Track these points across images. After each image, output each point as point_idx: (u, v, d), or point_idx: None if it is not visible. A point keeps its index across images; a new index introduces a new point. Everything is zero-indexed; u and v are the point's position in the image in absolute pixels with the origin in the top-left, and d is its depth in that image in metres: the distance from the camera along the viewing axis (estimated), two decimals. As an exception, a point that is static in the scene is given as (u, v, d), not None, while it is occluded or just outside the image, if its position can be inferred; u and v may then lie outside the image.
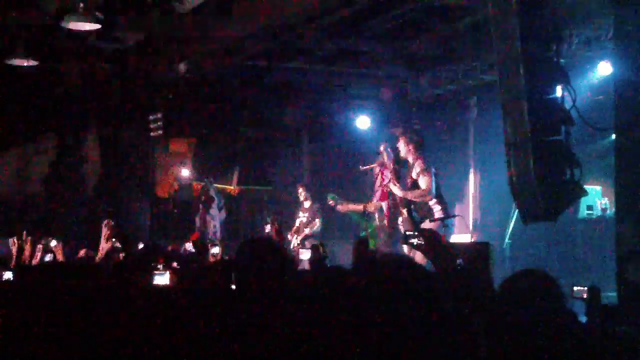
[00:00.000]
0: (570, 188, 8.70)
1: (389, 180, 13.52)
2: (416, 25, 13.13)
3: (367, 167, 14.12)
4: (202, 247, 11.73)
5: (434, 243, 5.57)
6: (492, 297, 4.66)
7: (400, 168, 13.57)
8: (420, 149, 13.27)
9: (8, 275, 8.10)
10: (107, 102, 17.34)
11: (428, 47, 14.37)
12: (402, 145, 13.40)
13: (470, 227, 16.09)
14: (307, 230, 16.12)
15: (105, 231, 10.31)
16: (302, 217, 16.31)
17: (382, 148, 13.61)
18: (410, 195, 13.15)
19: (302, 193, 16.59)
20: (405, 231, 7.89)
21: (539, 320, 3.87)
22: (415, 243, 6.00)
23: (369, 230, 14.82)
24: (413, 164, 13.26)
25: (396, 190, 13.27)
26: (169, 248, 13.03)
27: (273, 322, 3.93)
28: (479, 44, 13.23)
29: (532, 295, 3.99)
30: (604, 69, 13.38)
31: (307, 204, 16.47)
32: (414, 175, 13.24)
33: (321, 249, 9.89)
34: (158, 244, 12.12)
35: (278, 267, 4.28)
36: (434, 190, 13.12)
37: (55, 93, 17.13)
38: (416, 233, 7.49)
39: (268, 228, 14.12)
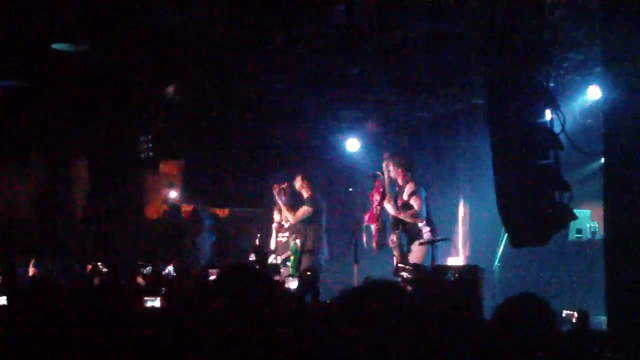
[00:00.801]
0: (559, 212, 8.69)
1: (378, 203, 13.59)
2: (406, 49, 13.14)
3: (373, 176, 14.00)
4: (262, 254, 11.73)
5: (420, 273, 5.58)
6: (482, 322, 4.64)
7: (385, 189, 13.63)
8: (409, 170, 13.36)
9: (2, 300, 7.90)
10: (97, 123, 17.33)
11: (418, 71, 14.39)
12: (391, 169, 13.50)
13: (460, 250, 16.09)
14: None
15: None
16: (280, 238, 15.81)
17: (384, 166, 13.71)
18: (402, 215, 13.19)
19: (277, 214, 16.04)
20: (397, 264, 7.88)
21: (534, 346, 3.84)
22: (405, 276, 6.04)
23: (293, 259, 14.85)
24: (403, 186, 13.33)
25: (389, 208, 13.30)
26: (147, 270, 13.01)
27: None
28: (468, 68, 13.26)
29: (526, 321, 3.96)
30: (593, 93, 13.41)
31: (286, 225, 15.84)
32: (404, 196, 13.29)
33: (307, 274, 9.85)
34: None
35: (259, 296, 4.24)
36: (424, 213, 13.17)
37: (43, 114, 17.12)
38: (406, 266, 7.48)
39: (253, 256, 14.01)
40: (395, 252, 13.35)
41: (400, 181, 13.44)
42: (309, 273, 10.31)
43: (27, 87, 14.84)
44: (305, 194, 15.27)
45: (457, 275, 10.49)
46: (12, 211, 18.52)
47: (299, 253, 14.81)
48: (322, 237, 15.09)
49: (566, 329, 6.41)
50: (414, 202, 13.17)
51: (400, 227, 13.37)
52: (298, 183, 15.39)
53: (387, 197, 13.35)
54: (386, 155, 13.80)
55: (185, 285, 8.92)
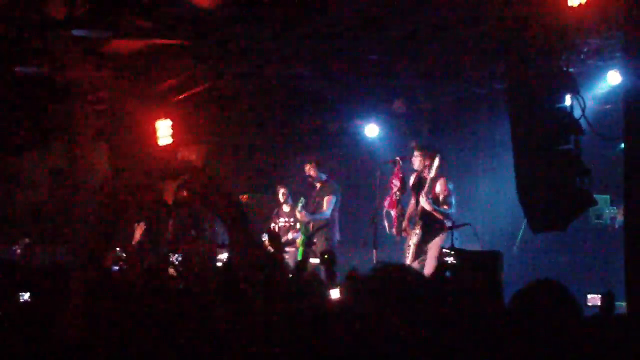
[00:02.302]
0: (579, 197, 8.68)
1: (398, 189, 13.61)
2: (426, 35, 13.10)
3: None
4: (276, 237, 11.77)
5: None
6: (502, 309, 4.61)
7: (404, 175, 13.67)
8: (440, 166, 13.34)
9: None
10: (117, 108, 17.33)
11: (439, 56, 14.34)
12: (417, 160, 13.50)
13: (479, 235, 16.07)
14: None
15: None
16: (281, 222, 15.85)
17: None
18: (437, 213, 13.23)
19: (283, 194, 16.24)
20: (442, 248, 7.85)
21: (556, 333, 3.81)
22: (449, 261, 6.01)
23: (303, 238, 14.91)
24: (434, 181, 13.33)
25: (426, 204, 13.28)
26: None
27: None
28: (489, 53, 13.22)
29: (547, 308, 3.92)
30: (613, 78, 13.37)
31: (286, 208, 16.05)
32: (436, 191, 13.30)
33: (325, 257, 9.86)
34: None
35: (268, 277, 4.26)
36: (454, 208, 13.25)
37: (63, 101, 17.15)
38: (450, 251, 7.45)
39: (266, 238, 14.04)
40: (411, 242, 13.39)
41: (425, 173, 13.46)
42: (326, 256, 10.31)
43: (46, 72, 14.85)
44: (320, 182, 15.31)
45: (476, 261, 10.51)
46: (31, 197, 18.57)
47: (308, 235, 14.90)
48: (335, 222, 15.13)
49: (591, 313, 6.38)
50: (447, 200, 13.25)
51: (420, 225, 13.39)
52: (312, 170, 15.41)
53: (424, 192, 13.35)
54: (413, 144, 13.79)
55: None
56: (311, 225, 15.05)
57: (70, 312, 4.34)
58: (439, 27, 12.68)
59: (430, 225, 13.32)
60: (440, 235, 13.16)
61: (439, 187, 13.35)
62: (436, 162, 13.25)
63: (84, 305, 4.27)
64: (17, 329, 4.53)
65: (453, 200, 13.35)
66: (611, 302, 6.77)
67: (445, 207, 13.27)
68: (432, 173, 13.28)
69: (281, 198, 16.18)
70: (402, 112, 16.70)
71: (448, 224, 13.13)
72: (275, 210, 16.26)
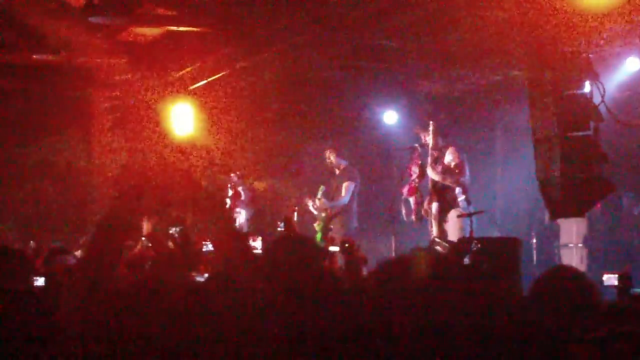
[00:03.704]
0: (598, 184, 8.65)
1: (417, 176, 13.62)
2: (442, 21, 13.05)
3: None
4: (291, 225, 11.77)
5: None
6: (521, 298, 4.57)
7: (424, 161, 13.67)
8: (448, 138, 13.41)
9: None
10: (134, 96, 17.36)
11: (455, 43, 14.30)
12: (430, 138, 13.53)
13: (498, 222, 16.04)
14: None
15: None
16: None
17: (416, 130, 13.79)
18: (448, 180, 13.23)
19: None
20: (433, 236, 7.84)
21: (574, 322, 3.77)
22: (439, 250, 6.05)
23: (320, 224, 14.89)
24: (443, 152, 13.36)
25: (433, 174, 13.32)
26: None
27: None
28: (507, 39, 13.17)
29: (564, 296, 3.88)
30: (632, 64, 13.31)
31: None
32: (446, 161, 13.31)
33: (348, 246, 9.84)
34: None
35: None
36: (468, 176, 13.22)
37: (80, 89, 17.21)
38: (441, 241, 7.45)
39: (282, 226, 13.96)
40: (433, 223, 13.39)
41: (435, 147, 13.49)
42: (347, 245, 10.28)
43: (64, 60, 14.90)
44: (339, 168, 15.27)
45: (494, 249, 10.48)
46: (47, 186, 18.58)
47: (325, 222, 14.89)
48: (352, 209, 15.09)
49: (609, 298, 6.33)
50: (457, 166, 13.20)
51: (436, 197, 13.40)
52: (331, 156, 15.38)
53: (429, 164, 13.37)
54: (424, 124, 13.82)
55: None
56: (329, 211, 14.96)
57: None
58: (455, 12, 12.64)
59: (444, 195, 13.34)
60: (459, 221, 13.09)
61: (449, 157, 13.34)
62: (430, 128, 13.37)
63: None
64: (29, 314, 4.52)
65: (467, 169, 13.28)
66: (628, 282, 6.73)
67: (458, 175, 13.22)
68: (431, 142, 13.36)
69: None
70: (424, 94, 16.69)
71: (461, 202, 13.07)
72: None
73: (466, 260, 9.62)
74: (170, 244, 11.30)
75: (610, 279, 6.58)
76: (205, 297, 4.06)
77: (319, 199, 14.86)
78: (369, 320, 3.39)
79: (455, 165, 13.29)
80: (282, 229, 13.61)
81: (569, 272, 4.08)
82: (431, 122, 13.55)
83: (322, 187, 15.02)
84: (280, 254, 4.37)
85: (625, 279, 6.63)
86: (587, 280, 4.03)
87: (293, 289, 4.11)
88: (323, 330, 3.78)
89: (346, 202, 14.94)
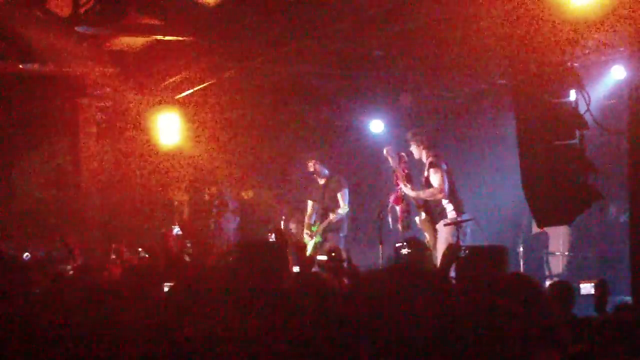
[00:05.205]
0: (585, 192, 8.67)
1: (401, 181, 13.64)
2: (430, 31, 13.09)
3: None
4: (282, 236, 11.77)
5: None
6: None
7: (410, 171, 13.68)
8: (431, 148, 13.41)
9: None
10: (121, 105, 17.35)
11: (442, 52, 14.33)
12: (414, 148, 13.55)
13: (484, 230, 16.06)
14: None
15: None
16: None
17: (385, 152, 13.76)
18: (422, 195, 13.25)
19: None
20: (395, 243, 7.81)
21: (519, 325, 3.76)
22: (404, 252, 6.03)
23: (318, 239, 14.90)
24: (426, 164, 13.40)
25: (408, 191, 13.35)
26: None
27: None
28: (492, 48, 13.20)
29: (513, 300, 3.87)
30: (618, 73, 13.36)
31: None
32: (426, 173, 13.34)
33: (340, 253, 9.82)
34: None
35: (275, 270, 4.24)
36: (446, 187, 13.17)
37: (67, 98, 17.17)
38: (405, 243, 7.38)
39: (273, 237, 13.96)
40: (426, 233, 13.43)
41: (424, 159, 13.51)
42: (333, 254, 10.28)
43: (51, 70, 14.91)
44: (324, 176, 15.30)
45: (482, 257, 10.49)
46: (35, 198, 18.49)
47: (322, 235, 14.90)
48: (345, 216, 15.12)
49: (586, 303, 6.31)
50: (433, 178, 13.21)
51: (423, 208, 13.42)
52: (315, 166, 15.41)
53: (402, 180, 13.41)
54: (408, 135, 13.84)
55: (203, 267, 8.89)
56: (331, 220, 14.98)
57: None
58: (442, 22, 12.67)
59: (429, 206, 13.39)
60: (447, 229, 13.08)
61: (426, 167, 13.42)
62: (412, 148, 13.46)
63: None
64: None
65: (445, 181, 13.23)
66: (605, 291, 6.69)
67: (435, 183, 13.22)
68: (423, 158, 13.45)
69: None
70: (408, 105, 16.70)
71: (450, 213, 13.09)
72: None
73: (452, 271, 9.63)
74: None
75: (587, 288, 6.55)
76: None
77: (315, 225, 14.96)
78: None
79: (432, 176, 13.29)
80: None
81: (521, 279, 4.07)
82: (411, 134, 13.62)
83: (311, 204, 15.09)
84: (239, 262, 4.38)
85: (601, 287, 6.60)
86: (571, 289, 4.04)
87: (249, 297, 4.12)
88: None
89: (348, 210, 14.97)
